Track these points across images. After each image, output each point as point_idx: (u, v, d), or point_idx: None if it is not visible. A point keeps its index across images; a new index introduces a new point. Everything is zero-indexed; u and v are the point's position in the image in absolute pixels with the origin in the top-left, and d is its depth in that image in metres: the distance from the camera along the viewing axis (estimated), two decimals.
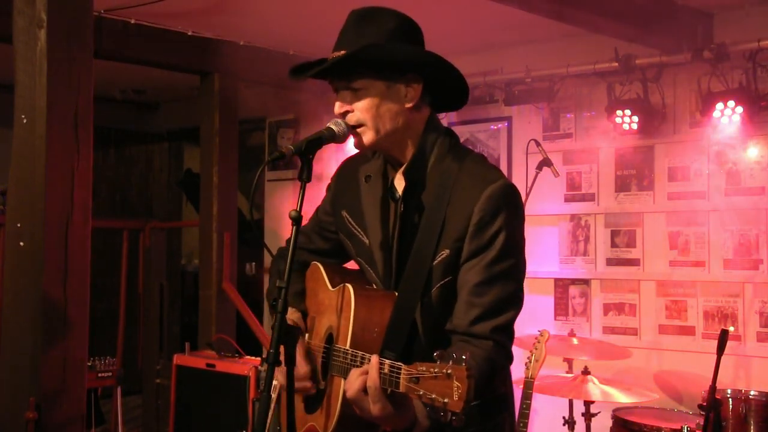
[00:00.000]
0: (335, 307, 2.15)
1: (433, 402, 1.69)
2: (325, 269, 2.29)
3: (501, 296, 1.98)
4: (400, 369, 1.79)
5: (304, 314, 2.35)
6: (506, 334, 2.00)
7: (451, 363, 1.68)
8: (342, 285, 2.13)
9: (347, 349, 2.03)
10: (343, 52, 2.03)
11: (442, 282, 2.02)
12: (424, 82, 2.07)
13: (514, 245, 2.00)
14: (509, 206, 2.00)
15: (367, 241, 2.18)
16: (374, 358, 1.85)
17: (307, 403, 2.24)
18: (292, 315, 2.29)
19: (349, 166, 2.32)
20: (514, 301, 2.01)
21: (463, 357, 1.67)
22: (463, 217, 1.99)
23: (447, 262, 2.00)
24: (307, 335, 2.32)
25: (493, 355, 1.96)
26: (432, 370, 1.70)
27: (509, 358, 2.04)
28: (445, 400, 1.66)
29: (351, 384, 1.87)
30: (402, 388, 1.78)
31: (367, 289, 2.15)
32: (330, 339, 2.17)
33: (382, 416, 1.83)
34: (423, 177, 2.08)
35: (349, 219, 2.24)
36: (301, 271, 2.38)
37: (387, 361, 1.82)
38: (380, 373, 1.81)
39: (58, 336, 3.32)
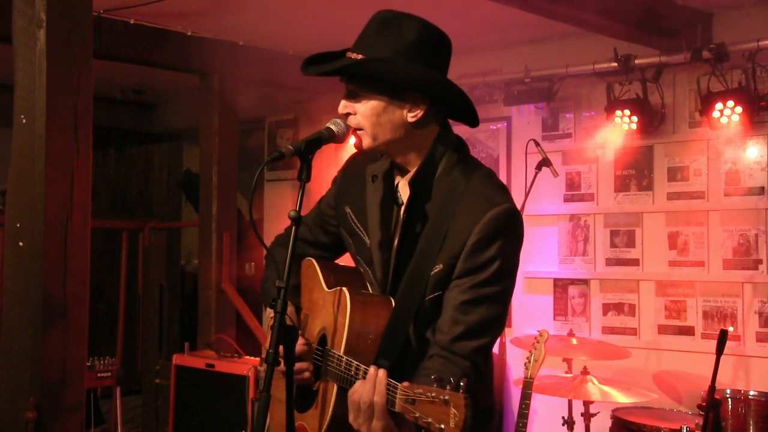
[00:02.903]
0: (330, 309, 2.15)
1: (429, 426, 1.68)
2: (320, 267, 2.28)
3: (485, 318, 1.99)
4: (396, 388, 1.80)
5: (298, 309, 2.34)
6: (483, 356, 2.02)
7: (448, 389, 1.67)
8: (338, 288, 2.13)
9: (341, 356, 2.03)
10: (354, 55, 2.03)
11: (433, 295, 2.02)
12: (436, 99, 2.06)
13: (506, 271, 2.01)
14: (508, 232, 2.00)
15: (367, 242, 2.17)
16: (381, 373, 1.85)
17: (296, 402, 2.24)
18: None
19: (357, 162, 2.31)
20: (495, 326, 2.03)
21: (461, 384, 1.67)
22: (462, 235, 1.98)
23: (439, 277, 2.01)
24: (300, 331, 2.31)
25: (469, 376, 1.94)
26: (429, 394, 1.69)
27: (481, 381, 2.04)
28: (441, 426, 1.65)
29: (359, 396, 1.87)
30: (397, 408, 1.77)
31: (363, 294, 2.14)
32: (323, 341, 2.17)
33: None
34: (429, 188, 2.08)
35: (352, 216, 2.23)
36: (297, 264, 2.37)
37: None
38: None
39: (58, 336, 3.32)
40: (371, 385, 1.86)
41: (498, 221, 1.98)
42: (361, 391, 1.88)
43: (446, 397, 1.66)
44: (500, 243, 1.97)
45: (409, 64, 2.01)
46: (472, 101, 2.15)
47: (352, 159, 2.34)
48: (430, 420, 1.67)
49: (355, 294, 2.08)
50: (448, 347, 1.97)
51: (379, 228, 2.14)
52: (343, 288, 2.10)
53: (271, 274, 2.36)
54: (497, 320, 2.03)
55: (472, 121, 2.16)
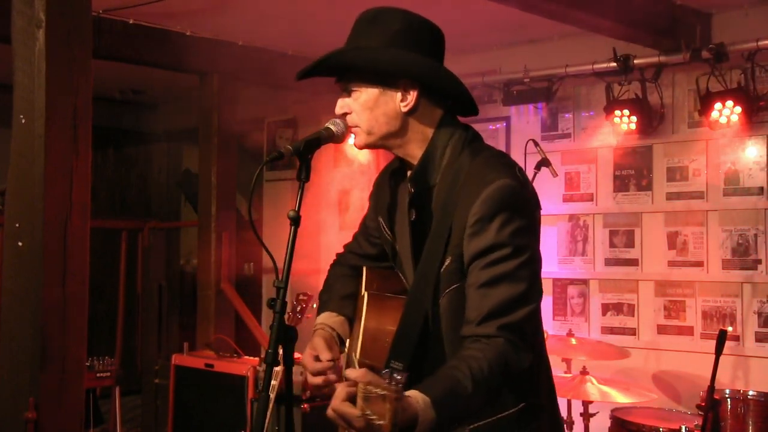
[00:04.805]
0: (359, 314, 2.14)
1: (373, 422, 1.61)
2: (367, 274, 2.24)
3: (508, 296, 1.88)
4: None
5: (351, 320, 2.28)
6: (518, 333, 1.88)
7: (387, 382, 1.59)
8: (363, 293, 2.11)
9: (355, 361, 2.02)
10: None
11: (449, 289, 1.96)
12: (425, 83, 2.02)
13: (517, 246, 1.90)
14: (507, 207, 1.90)
15: (397, 247, 2.15)
16: (340, 388, 1.72)
17: None
18: (329, 319, 2.23)
19: (385, 171, 2.28)
20: (524, 300, 1.90)
21: (398, 377, 1.58)
22: (462, 222, 1.93)
23: (451, 270, 1.95)
24: (348, 341, 2.27)
25: (505, 352, 1.85)
26: (373, 389, 1.61)
27: (527, 359, 1.90)
28: (380, 422, 1.59)
29: (330, 408, 1.73)
30: (358, 408, 1.67)
31: (383, 297, 2.11)
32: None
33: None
34: (432, 182, 2.04)
35: (384, 225, 2.20)
36: (354, 275, 2.33)
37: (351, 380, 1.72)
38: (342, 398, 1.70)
39: (57, 336, 3.32)
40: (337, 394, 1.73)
41: (492, 199, 1.90)
42: (332, 404, 1.74)
43: (383, 393, 1.58)
44: (500, 219, 1.89)
45: (395, 50, 1.99)
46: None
47: (384, 169, 2.30)
48: (374, 417, 1.60)
49: (374, 297, 2.06)
50: (474, 333, 1.88)
51: (401, 232, 2.12)
52: (366, 292, 2.08)
53: (325, 289, 2.34)
54: (523, 296, 1.90)
55: (471, 108, 2.12)
